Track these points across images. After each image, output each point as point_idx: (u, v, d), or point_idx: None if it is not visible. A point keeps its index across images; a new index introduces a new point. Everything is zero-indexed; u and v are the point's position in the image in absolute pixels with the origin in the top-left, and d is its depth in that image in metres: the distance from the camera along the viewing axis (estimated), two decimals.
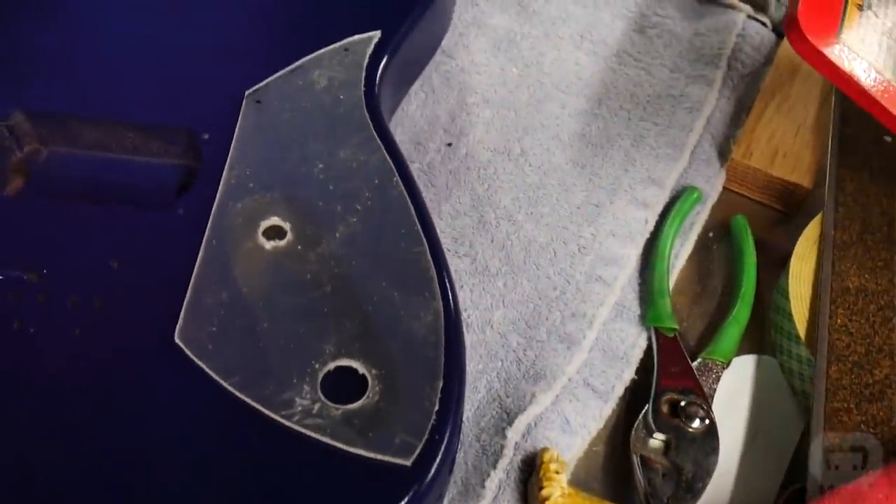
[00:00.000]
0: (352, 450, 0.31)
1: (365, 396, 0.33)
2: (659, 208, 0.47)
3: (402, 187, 0.39)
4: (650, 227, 0.47)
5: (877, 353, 0.39)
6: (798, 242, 0.44)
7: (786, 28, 0.42)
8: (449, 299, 0.35)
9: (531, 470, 0.38)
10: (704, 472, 0.38)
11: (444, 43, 0.53)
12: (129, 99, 0.42)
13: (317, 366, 0.33)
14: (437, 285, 0.36)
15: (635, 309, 0.44)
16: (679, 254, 0.46)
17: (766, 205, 0.49)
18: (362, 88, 0.42)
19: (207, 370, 0.33)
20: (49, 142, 0.42)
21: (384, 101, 0.44)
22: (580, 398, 0.41)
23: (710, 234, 0.48)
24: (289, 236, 0.37)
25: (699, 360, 0.42)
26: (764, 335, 0.44)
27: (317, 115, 0.41)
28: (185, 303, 0.35)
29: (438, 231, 0.38)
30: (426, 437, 0.32)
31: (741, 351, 0.43)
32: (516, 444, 0.39)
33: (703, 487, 0.37)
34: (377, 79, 0.43)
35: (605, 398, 0.41)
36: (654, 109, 0.51)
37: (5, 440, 0.32)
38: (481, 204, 0.47)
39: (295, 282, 0.36)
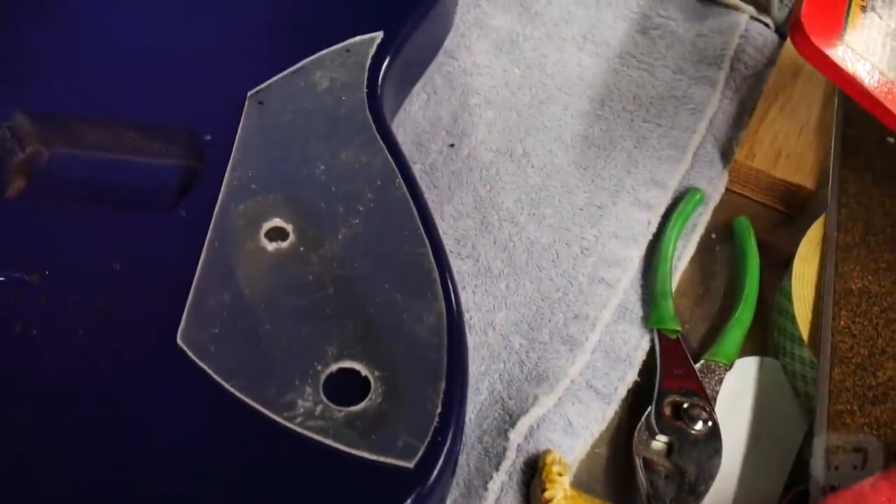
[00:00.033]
0: (354, 452, 0.31)
1: (367, 398, 0.33)
2: (662, 210, 0.47)
3: (405, 189, 0.39)
4: (653, 228, 0.47)
5: (880, 356, 0.39)
6: (801, 244, 0.44)
7: (790, 30, 0.42)
8: (451, 301, 0.35)
9: (533, 472, 0.38)
10: (707, 475, 0.37)
11: (446, 44, 0.53)
12: (131, 100, 0.42)
13: (319, 367, 0.33)
14: (440, 287, 0.35)
15: (638, 311, 0.44)
16: (682, 255, 0.46)
17: (768, 206, 0.49)
18: (364, 89, 0.42)
19: (209, 372, 0.33)
20: (51, 143, 0.42)
21: (386, 102, 0.44)
22: (583, 400, 0.41)
23: (713, 236, 0.48)
24: (291, 238, 0.37)
25: (702, 361, 0.42)
26: (767, 337, 0.44)
27: (319, 116, 0.41)
28: (187, 304, 0.35)
29: (441, 232, 0.38)
30: (429, 439, 0.32)
31: (744, 353, 0.43)
32: (519, 445, 0.39)
33: (706, 490, 0.37)
34: (379, 80, 0.43)
35: (607, 400, 0.41)
36: (657, 111, 0.51)
37: (7, 441, 0.32)
38: (484, 205, 0.47)
39: (297, 283, 0.36)
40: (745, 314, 0.43)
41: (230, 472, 0.32)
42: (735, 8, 0.56)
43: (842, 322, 0.40)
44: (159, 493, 0.31)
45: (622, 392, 0.41)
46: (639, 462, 0.38)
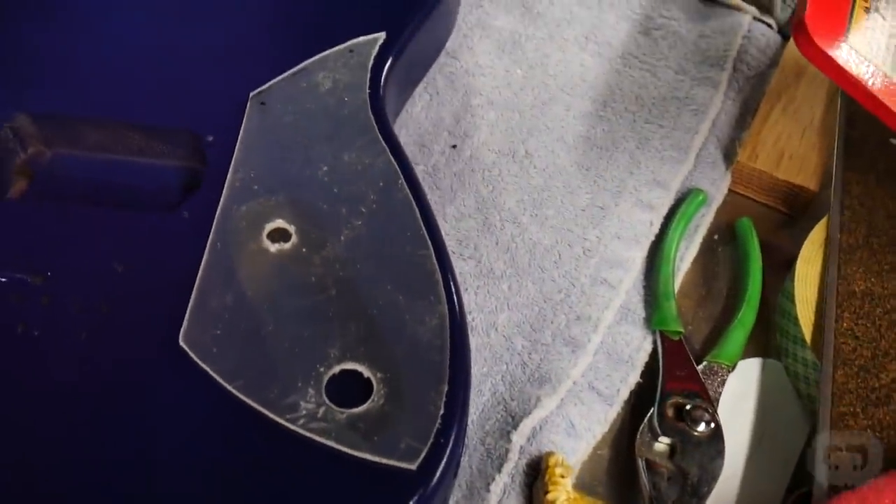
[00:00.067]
0: (357, 454, 0.31)
1: (370, 400, 0.33)
2: (664, 211, 0.47)
3: (408, 190, 0.39)
4: (655, 229, 0.46)
5: (883, 357, 0.39)
6: (804, 245, 0.44)
7: (793, 31, 0.42)
8: (454, 303, 0.35)
9: (536, 474, 0.38)
10: (710, 476, 0.37)
11: (448, 44, 0.53)
12: (134, 100, 0.42)
13: (321, 369, 0.33)
14: (443, 289, 0.35)
15: (640, 312, 0.44)
16: (684, 256, 0.46)
17: (771, 207, 0.49)
18: (367, 90, 0.42)
19: (212, 373, 0.33)
20: (53, 143, 0.42)
21: (389, 102, 0.44)
22: (585, 402, 0.41)
23: (716, 237, 0.48)
24: (293, 239, 0.37)
25: (704, 363, 0.42)
26: (769, 338, 0.44)
27: (321, 117, 0.41)
28: (189, 306, 0.35)
29: (443, 233, 0.38)
30: (431, 441, 0.32)
31: (747, 354, 0.43)
32: (521, 447, 0.39)
33: (709, 491, 0.37)
34: (382, 80, 0.43)
35: (610, 402, 0.41)
36: (660, 111, 0.51)
37: (9, 443, 0.32)
38: (486, 206, 0.47)
39: (299, 285, 0.36)
40: (747, 316, 0.43)
41: (232, 474, 0.31)
42: (738, 8, 0.56)
43: (845, 324, 0.40)
44: (161, 493, 0.31)
45: (624, 393, 0.41)
46: (641, 464, 0.38)
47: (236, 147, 0.40)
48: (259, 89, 0.42)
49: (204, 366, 0.33)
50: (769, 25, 0.56)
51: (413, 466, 0.31)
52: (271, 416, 0.32)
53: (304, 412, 0.32)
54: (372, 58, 0.43)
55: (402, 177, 0.39)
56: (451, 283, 0.36)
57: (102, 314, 0.35)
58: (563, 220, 0.47)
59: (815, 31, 0.41)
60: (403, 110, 0.50)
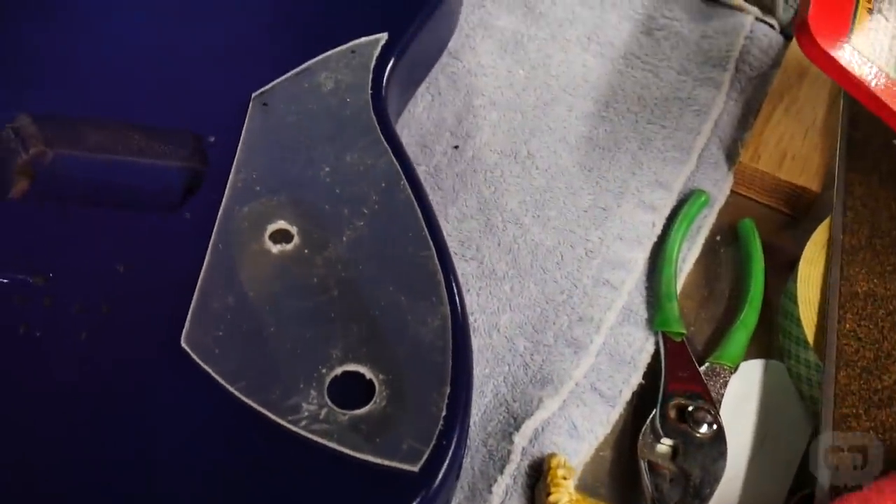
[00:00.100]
0: (359, 455, 0.31)
1: (372, 402, 0.33)
2: (666, 212, 0.47)
3: (410, 191, 0.38)
4: (657, 230, 0.46)
5: (886, 359, 0.39)
6: (806, 246, 0.44)
7: (796, 31, 0.42)
8: (456, 304, 0.35)
9: (538, 475, 0.38)
10: (712, 478, 0.37)
11: (450, 45, 0.53)
12: (135, 101, 0.42)
13: (323, 371, 0.33)
14: (445, 290, 0.35)
15: (642, 313, 0.44)
16: (686, 258, 0.46)
17: (773, 208, 0.49)
18: (369, 91, 0.42)
19: (213, 374, 0.33)
20: (54, 144, 0.42)
21: (391, 103, 0.44)
22: (587, 403, 0.40)
23: (718, 238, 0.48)
24: (295, 240, 0.37)
25: (707, 364, 0.42)
26: (772, 340, 0.44)
27: (323, 117, 0.41)
28: (191, 307, 0.35)
29: (445, 234, 0.38)
30: (433, 442, 0.32)
31: (749, 355, 0.43)
32: (523, 449, 0.39)
33: (711, 493, 0.37)
34: (384, 81, 0.43)
35: (612, 403, 0.41)
36: (662, 112, 0.51)
37: (10, 443, 0.32)
38: (488, 207, 0.47)
39: (301, 286, 0.36)
40: (749, 317, 0.43)
41: (234, 476, 0.31)
42: (740, 9, 0.56)
43: (847, 325, 0.40)
44: (161, 494, 0.31)
45: (627, 395, 0.41)
46: (643, 465, 0.38)
47: (238, 148, 0.40)
48: (261, 90, 0.42)
49: (206, 367, 0.33)
50: (771, 26, 0.56)
51: (415, 468, 0.31)
52: (273, 417, 0.32)
53: (305, 414, 0.32)
54: (374, 58, 0.43)
55: (404, 177, 0.39)
56: (453, 284, 0.36)
57: (104, 315, 0.35)
58: (566, 221, 0.46)
59: (817, 31, 0.40)
60: (405, 111, 0.50)
